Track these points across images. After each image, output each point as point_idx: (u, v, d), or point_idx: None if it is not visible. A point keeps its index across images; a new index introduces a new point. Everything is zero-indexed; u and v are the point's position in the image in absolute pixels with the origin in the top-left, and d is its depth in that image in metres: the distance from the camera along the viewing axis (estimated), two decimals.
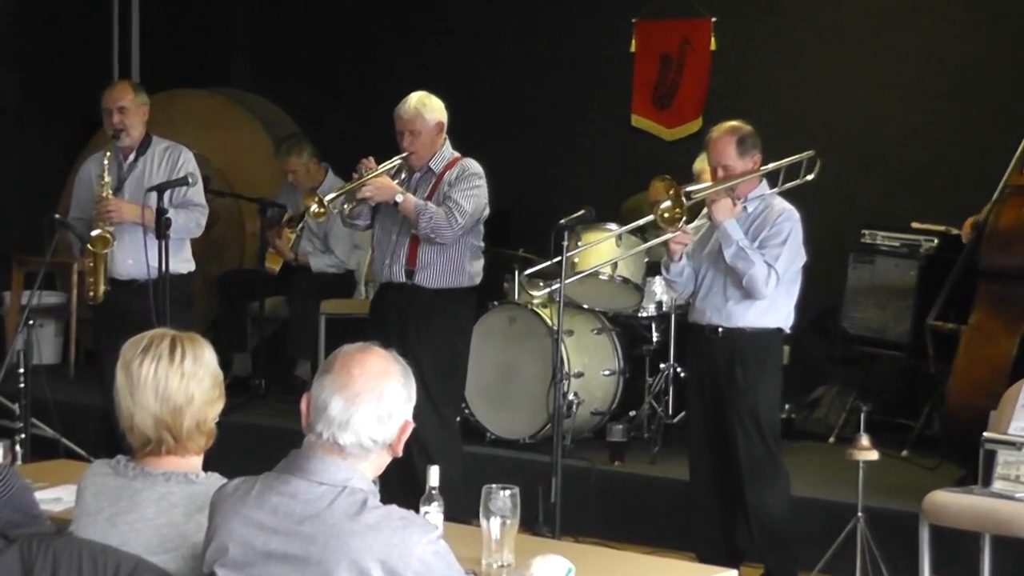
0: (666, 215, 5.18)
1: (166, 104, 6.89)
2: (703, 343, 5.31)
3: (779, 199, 5.28)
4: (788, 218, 5.19)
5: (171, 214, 5.97)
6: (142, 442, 2.84)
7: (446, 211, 5.59)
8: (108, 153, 6.09)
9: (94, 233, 5.95)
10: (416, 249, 5.67)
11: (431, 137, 5.69)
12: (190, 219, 6.12)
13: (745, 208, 5.23)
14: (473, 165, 5.73)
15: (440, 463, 3.55)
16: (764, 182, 5.31)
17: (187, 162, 6.17)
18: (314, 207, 5.66)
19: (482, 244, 5.85)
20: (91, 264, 6.06)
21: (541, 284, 6.93)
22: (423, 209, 5.58)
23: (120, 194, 6.06)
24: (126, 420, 2.83)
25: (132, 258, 6.00)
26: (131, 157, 6.15)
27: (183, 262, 6.23)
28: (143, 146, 6.16)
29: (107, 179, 6.02)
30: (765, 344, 5.24)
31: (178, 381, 2.80)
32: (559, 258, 5.46)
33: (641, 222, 5.95)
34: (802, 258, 5.25)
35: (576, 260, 6.36)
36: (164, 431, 2.81)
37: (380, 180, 5.63)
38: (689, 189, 5.22)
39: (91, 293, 6.08)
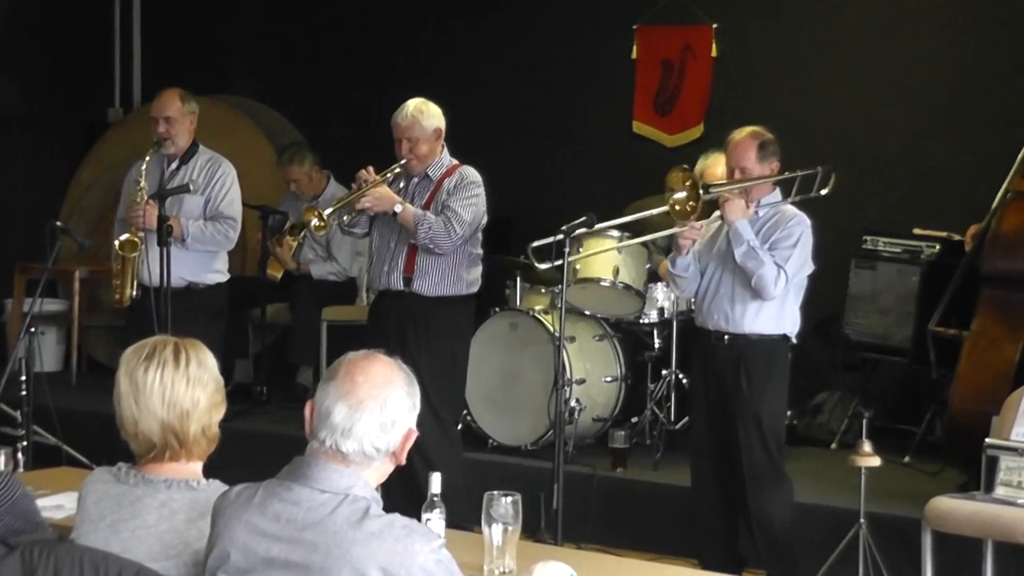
0: (678, 207, 5.19)
1: None
2: (708, 349, 5.31)
3: (790, 206, 5.29)
4: (800, 223, 5.20)
5: (195, 226, 6.06)
6: (146, 448, 2.84)
7: (444, 220, 5.58)
8: (148, 157, 6.15)
9: (123, 237, 6.00)
10: (414, 257, 5.67)
11: (429, 144, 5.69)
12: (217, 232, 6.19)
13: (756, 212, 5.23)
14: (472, 173, 5.73)
15: (441, 470, 3.55)
16: (777, 190, 5.32)
17: (224, 175, 6.26)
18: (315, 221, 5.66)
19: (480, 252, 5.84)
20: (119, 267, 6.09)
21: (543, 290, 6.95)
22: (422, 219, 5.58)
23: (153, 200, 6.08)
24: (130, 427, 2.83)
25: (150, 267, 5.98)
26: (174, 164, 6.23)
27: (213, 273, 6.29)
28: (188, 154, 6.24)
29: (143, 184, 6.09)
30: (771, 351, 5.24)
31: (184, 386, 2.81)
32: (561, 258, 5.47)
33: (650, 212, 5.92)
34: (810, 267, 5.25)
35: (578, 266, 6.37)
36: (171, 436, 2.81)
37: (379, 191, 5.63)
38: (707, 184, 5.24)
39: (117, 296, 6.10)
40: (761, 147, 5.22)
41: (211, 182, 6.21)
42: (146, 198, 6.06)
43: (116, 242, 6.03)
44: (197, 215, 6.17)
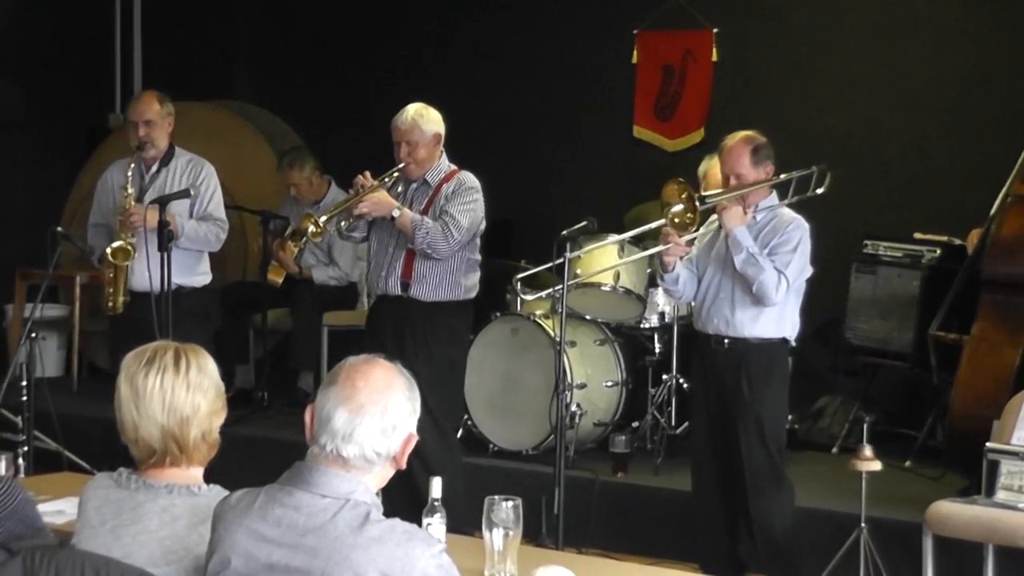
0: (677, 219, 5.18)
1: None
2: (708, 353, 5.31)
3: (788, 210, 5.29)
4: (798, 227, 5.19)
5: (191, 225, 6.04)
6: (147, 454, 2.84)
7: (442, 225, 5.59)
8: (132, 164, 6.12)
9: (115, 244, 5.96)
10: (412, 262, 5.67)
11: (428, 149, 5.69)
12: (209, 232, 6.17)
13: (754, 217, 5.23)
14: (470, 179, 5.73)
15: (440, 475, 3.55)
16: (774, 193, 5.32)
17: (208, 176, 6.23)
18: (311, 228, 5.65)
19: (478, 257, 5.85)
20: (111, 275, 6.07)
21: (544, 295, 6.95)
22: (419, 224, 5.58)
23: (141, 204, 6.08)
24: (130, 432, 2.83)
25: (150, 271, 5.98)
26: (154, 168, 6.20)
27: (199, 275, 6.27)
28: (167, 157, 6.21)
29: (130, 190, 6.06)
30: (771, 355, 5.23)
31: (184, 392, 2.81)
32: (556, 263, 5.47)
33: (648, 227, 5.93)
34: (809, 270, 5.25)
35: (578, 271, 6.37)
36: (171, 442, 2.81)
37: (377, 195, 5.63)
38: (703, 194, 5.24)
39: (110, 304, 6.09)
40: (755, 152, 5.21)
41: (195, 184, 6.15)
42: (133, 202, 6.04)
43: (108, 250, 5.97)
44: (185, 217, 6.13)
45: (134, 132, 6.17)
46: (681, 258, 5.28)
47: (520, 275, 6.46)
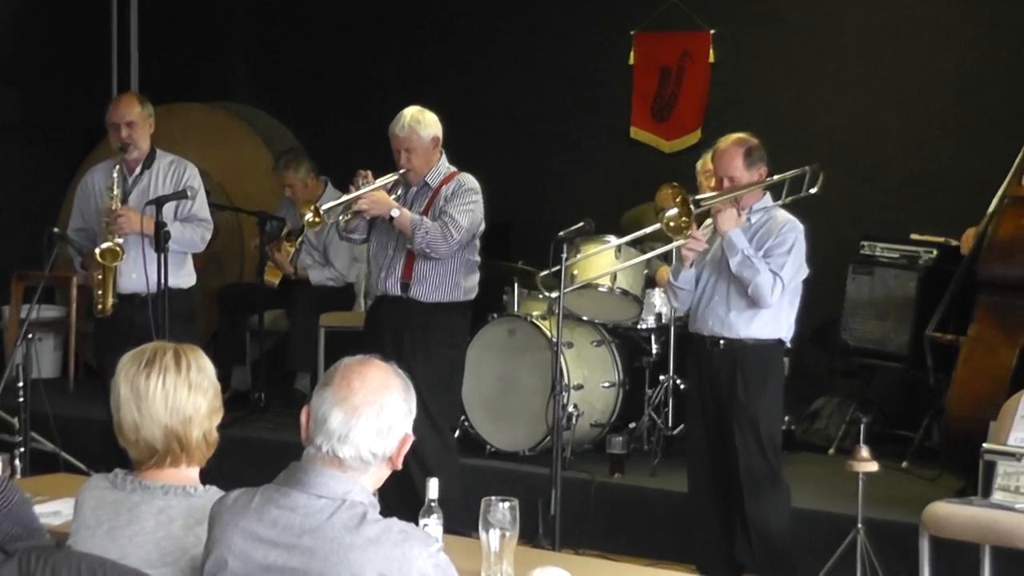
0: (672, 223, 5.19)
1: (166, 118, 6.87)
2: (704, 354, 5.31)
3: (782, 211, 5.29)
4: (792, 228, 5.20)
5: (176, 228, 6.00)
6: (147, 454, 2.83)
7: (441, 226, 5.59)
8: (117, 166, 6.09)
9: (104, 245, 5.92)
10: (412, 263, 5.68)
11: (427, 153, 5.70)
12: (195, 234, 6.13)
13: (748, 219, 5.24)
14: (469, 180, 5.74)
15: (437, 476, 3.55)
16: (768, 194, 5.32)
17: (192, 176, 6.17)
18: (309, 215, 5.67)
19: (478, 259, 5.86)
20: (99, 277, 6.04)
21: (541, 296, 6.95)
22: (419, 224, 5.59)
23: (128, 205, 6.05)
24: (130, 433, 2.82)
25: (136, 272, 5.97)
26: (136, 170, 6.15)
27: (185, 276, 6.24)
28: (148, 159, 6.16)
29: (116, 191, 6.03)
30: (767, 356, 5.24)
31: (186, 392, 2.81)
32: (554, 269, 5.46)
33: (644, 231, 5.94)
34: (805, 271, 5.25)
35: (575, 272, 6.37)
36: (174, 442, 2.81)
37: (376, 195, 5.64)
38: (697, 197, 5.24)
39: (99, 306, 6.06)
40: (747, 154, 5.21)
41: (179, 185, 6.12)
42: (119, 203, 6.02)
43: (96, 251, 5.93)
44: (169, 219, 6.09)
45: (115, 135, 6.10)
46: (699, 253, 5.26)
47: (544, 272, 6.36)
